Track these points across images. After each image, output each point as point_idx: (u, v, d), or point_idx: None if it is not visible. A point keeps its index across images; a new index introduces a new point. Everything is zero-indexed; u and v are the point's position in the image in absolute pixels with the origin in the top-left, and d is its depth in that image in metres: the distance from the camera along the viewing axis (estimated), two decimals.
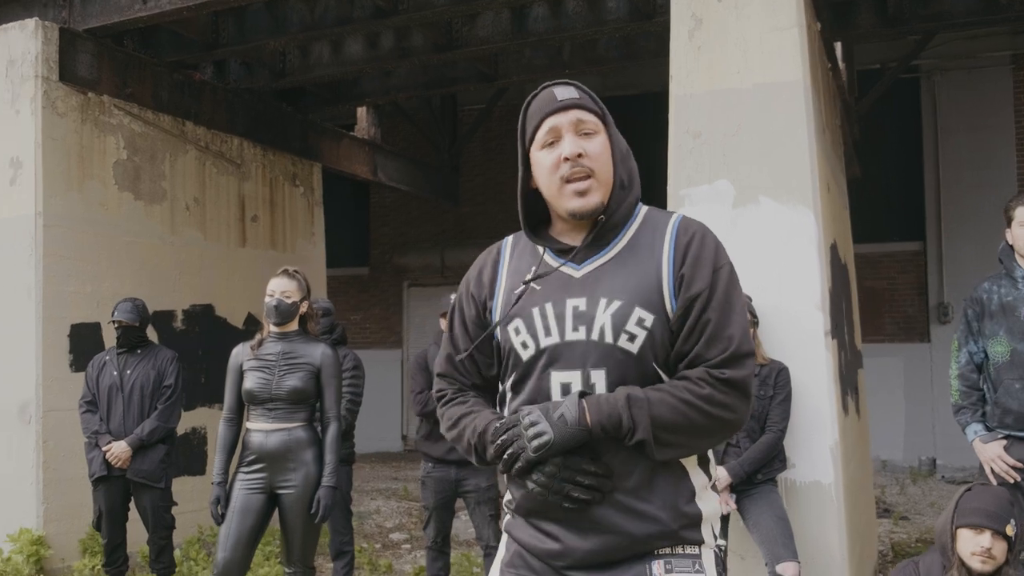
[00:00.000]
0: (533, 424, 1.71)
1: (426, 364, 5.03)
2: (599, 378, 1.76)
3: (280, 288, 4.09)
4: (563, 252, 1.85)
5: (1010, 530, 2.87)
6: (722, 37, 4.36)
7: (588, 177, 1.80)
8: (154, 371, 5.27)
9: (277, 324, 4.08)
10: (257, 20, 7.13)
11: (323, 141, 9.29)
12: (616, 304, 1.76)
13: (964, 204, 10.59)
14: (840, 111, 6.70)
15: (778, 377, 4.01)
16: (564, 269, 1.83)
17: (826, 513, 4.04)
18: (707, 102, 4.37)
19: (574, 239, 1.87)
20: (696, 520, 1.78)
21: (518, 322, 1.83)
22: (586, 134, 1.83)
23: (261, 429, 3.97)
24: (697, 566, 1.76)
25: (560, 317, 1.79)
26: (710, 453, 1.84)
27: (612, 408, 1.71)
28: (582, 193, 1.80)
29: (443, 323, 4.88)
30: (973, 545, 2.89)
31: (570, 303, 1.79)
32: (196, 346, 7.40)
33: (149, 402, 5.22)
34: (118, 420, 5.20)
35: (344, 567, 5.33)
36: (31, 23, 6.55)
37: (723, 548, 1.87)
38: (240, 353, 4.11)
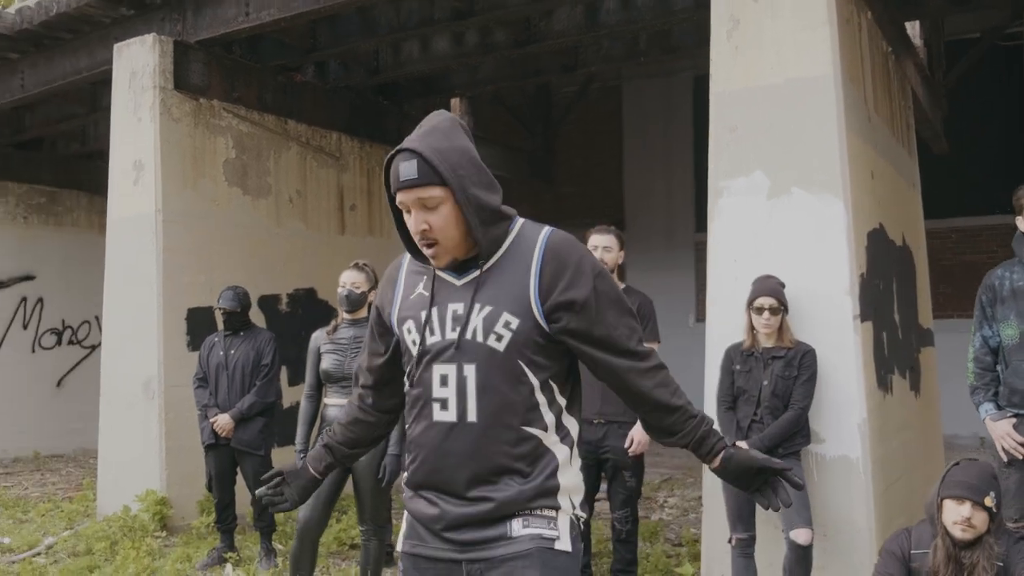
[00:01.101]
0: None
1: None
2: (470, 371, 2.02)
3: (350, 280, 4.59)
4: (447, 267, 2.10)
5: (989, 501, 3.08)
6: (757, 37, 4.58)
7: (434, 244, 2.03)
8: (254, 351, 5.91)
9: (348, 312, 4.59)
10: (349, 24, 7.68)
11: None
12: (487, 309, 2.02)
13: None
14: (910, 92, 6.73)
15: (803, 358, 4.25)
16: (448, 279, 2.10)
17: (852, 486, 4.28)
18: (743, 98, 4.62)
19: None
20: (554, 490, 2.04)
21: (409, 322, 2.12)
22: (429, 208, 2.00)
23: (336, 404, 4.49)
24: (552, 525, 2.03)
25: (442, 319, 2.06)
26: (572, 431, 2.10)
27: None
28: (434, 256, 2.05)
29: None
30: (955, 515, 3.11)
31: (451, 307, 2.06)
32: (299, 327, 8.06)
33: (249, 379, 5.86)
34: (223, 395, 5.87)
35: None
36: (149, 39, 7.28)
37: (580, 518, 2.10)
38: (318, 338, 4.64)
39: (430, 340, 2.07)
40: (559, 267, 2.01)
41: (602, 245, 4.76)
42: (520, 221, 2.12)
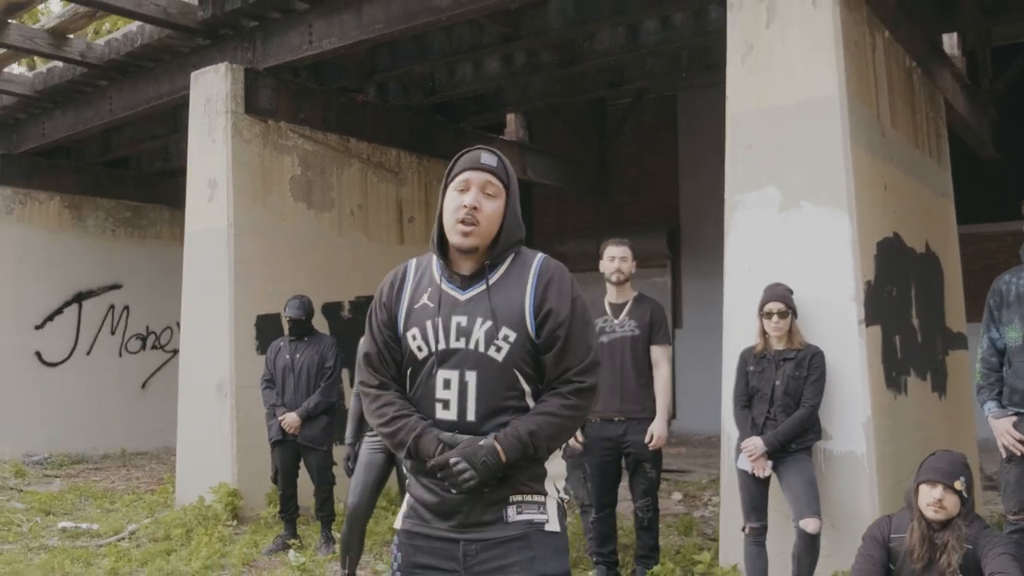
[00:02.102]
0: (462, 472, 2.22)
1: None
2: (471, 377, 2.29)
3: None
4: (453, 278, 2.38)
5: (959, 485, 3.38)
6: (769, 60, 4.91)
7: (474, 225, 2.32)
8: (318, 355, 6.44)
9: None
10: (405, 49, 8.21)
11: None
12: (488, 323, 2.29)
13: None
14: (942, 103, 6.92)
15: (812, 360, 4.57)
16: (452, 293, 2.36)
17: (859, 480, 4.57)
18: (757, 118, 4.95)
19: (463, 267, 2.38)
20: (542, 477, 2.33)
21: (415, 330, 2.35)
22: (488, 194, 2.34)
23: None
24: (542, 510, 2.32)
25: (447, 329, 2.32)
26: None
27: (520, 444, 2.24)
28: (466, 234, 2.31)
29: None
30: (929, 497, 3.42)
31: (455, 319, 2.32)
32: (360, 332, 8.58)
33: (314, 381, 6.40)
34: (290, 395, 6.41)
35: None
36: (222, 67, 7.91)
37: (564, 500, 2.39)
38: (366, 342, 5.11)
39: (436, 348, 2.33)
40: (547, 286, 2.34)
41: (619, 256, 5.18)
42: (522, 248, 2.44)
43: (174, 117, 10.76)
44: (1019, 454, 4.08)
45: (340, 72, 8.79)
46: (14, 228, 11.62)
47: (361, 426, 5.14)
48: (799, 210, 4.78)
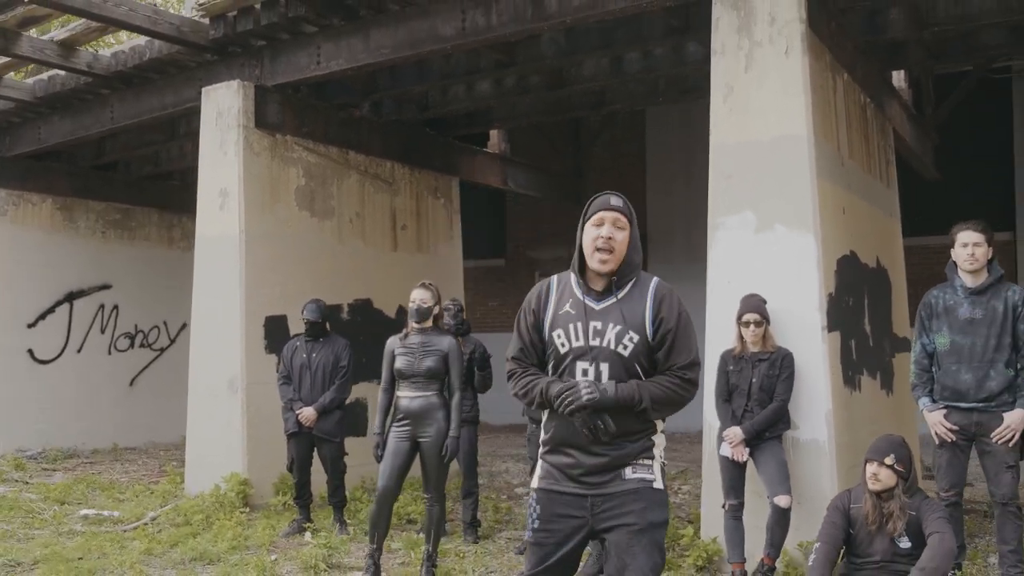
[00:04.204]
0: (588, 387, 2.96)
1: None
2: (604, 368, 3.00)
3: (420, 297, 5.70)
4: (589, 292, 3.10)
5: (889, 460, 4.17)
6: (747, 101, 5.67)
7: (610, 252, 3.04)
8: (332, 355, 7.07)
9: (418, 322, 5.71)
10: (406, 71, 8.85)
11: (460, 158, 10.98)
12: (618, 327, 3.01)
13: None
14: (891, 132, 7.77)
15: (783, 360, 5.34)
16: (590, 303, 3.08)
17: (821, 464, 5.36)
18: (736, 151, 5.71)
19: (596, 284, 3.10)
20: (650, 447, 3.10)
21: (559, 331, 3.08)
22: (618, 227, 3.06)
23: (407, 396, 5.61)
24: (650, 471, 3.08)
25: (585, 331, 3.03)
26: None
27: (632, 391, 2.98)
28: (604, 261, 3.04)
29: None
30: (868, 472, 4.22)
31: (592, 324, 3.03)
32: (358, 333, 9.20)
33: (329, 378, 7.03)
34: (306, 390, 7.03)
35: (471, 504, 6.99)
36: (234, 84, 8.47)
37: (664, 464, 3.14)
38: (392, 343, 5.76)
39: (576, 344, 3.04)
40: (661, 302, 3.07)
41: None
42: (640, 272, 3.17)
43: (171, 125, 11.24)
44: (949, 441, 4.88)
45: (340, 89, 9.38)
46: (8, 229, 11.99)
47: (387, 418, 5.76)
48: (773, 232, 5.55)
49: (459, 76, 8.54)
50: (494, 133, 11.83)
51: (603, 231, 3.05)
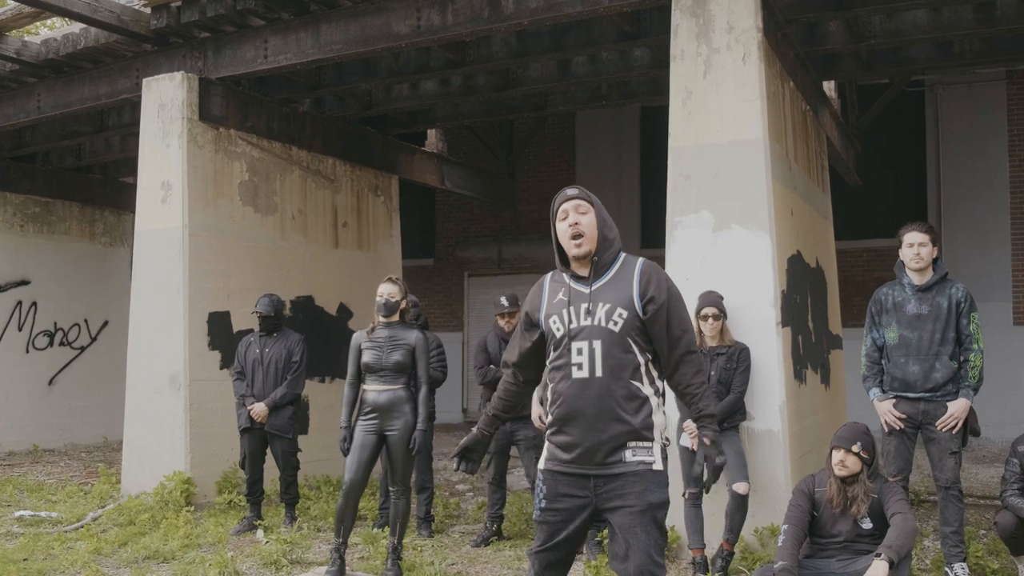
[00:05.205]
0: (718, 455, 3.30)
1: (486, 346, 6.72)
2: (597, 345, 3.17)
3: (387, 291, 5.74)
4: (578, 279, 3.32)
5: (856, 448, 4.43)
6: (706, 106, 5.91)
7: (580, 236, 3.27)
8: (285, 350, 7.03)
9: (385, 317, 5.74)
10: (353, 67, 8.83)
11: (400, 156, 11.00)
12: (607, 306, 3.21)
13: (961, 202, 11.91)
14: (824, 139, 8.16)
15: (740, 355, 5.57)
16: (579, 288, 3.29)
17: (775, 452, 5.61)
18: (695, 153, 5.93)
19: (581, 271, 3.31)
20: (651, 426, 3.21)
21: (554, 317, 3.29)
22: (581, 212, 3.29)
23: (375, 389, 5.64)
24: (650, 452, 3.20)
25: (576, 313, 3.24)
26: (660, 387, 3.30)
27: (713, 413, 3.33)
28: (579, 244, 3.26)
29: (500, 320, 6.61)
30: (835, 459, 4.48)
31: (582, 305, 3.24)
32: (299, 330, 9.04)
33: (282, 373, 6.99)
34: (259, 386, 6.98)
35: (426, 499, 7.06)
36: (178, 76, 8.32)
37: (667, 443, 3.29)
38: (359, 337, 5.78)
39: (571, 327, 3.25)
40: (648, 279, 3.27)
41: None
42: (623, 254, 3.38)
43: (100, 117, 10.94)
44: (898, 428, 5.20)
45: (283, 83, 9.30)
46: None
47: (352, 412, 5.77)
48: (729, 231, 5.79)
49: (407, 74, 8.56)
50: (432, 132, 11.88)
51: (569, 220, 3.29)
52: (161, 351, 8.21)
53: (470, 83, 9.17)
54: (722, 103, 5.86)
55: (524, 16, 6.87)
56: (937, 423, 5.10)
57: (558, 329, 3.29)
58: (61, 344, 12.95)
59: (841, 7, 6.56)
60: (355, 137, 10.22)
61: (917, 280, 5.22)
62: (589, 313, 3.24)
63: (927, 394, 5.11)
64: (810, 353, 6.62)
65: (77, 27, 9.00)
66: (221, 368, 8.35)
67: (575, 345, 3.23)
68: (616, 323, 3.21)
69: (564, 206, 3.32)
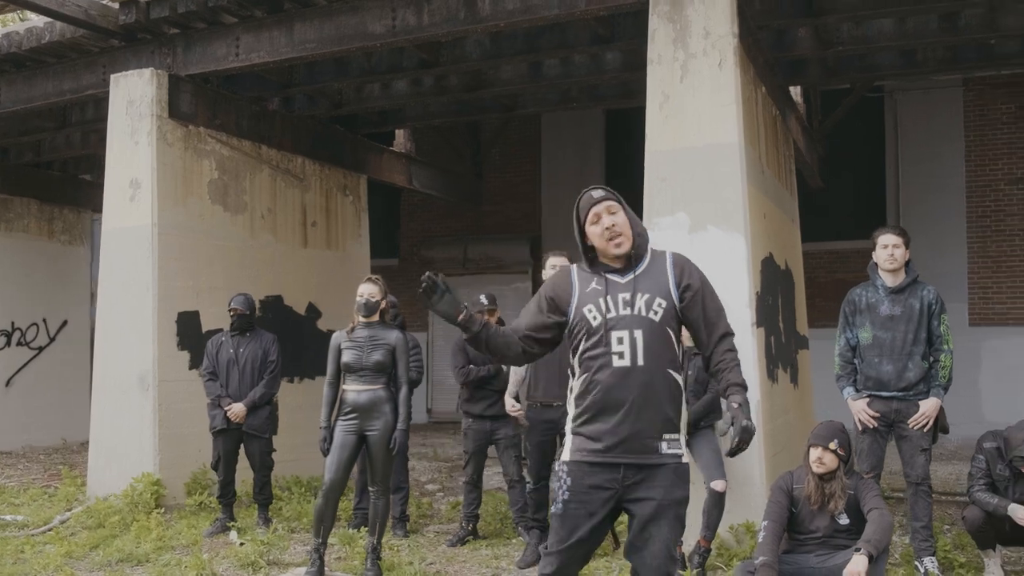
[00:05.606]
0: (746, 420, 3.21)
1: (463, 347, 6.75)
2: (638, 335, 3.19)
3: (368, 291, 5.74)
4: (613, 271, 3.33)
5: (833, 446, 4.54)
6: (683, 110, 6.00)
7: (619, 235, 3.31)
8: (261, 350, 6.99)
9: (365, 316, 5.74)
10: (325, 66, 8.80)
11: (369, 156, 10.97)
12: (647, 295, 3.25)
13: (920, 205, 12.19)
14: (791, 142, 8.32)
15: None
16: (615, 279, 3.32)
17: (751, 450, 5.63)
18: (671, 156, 6.02)
19: (616, 263, 3.33)
20: (681, 418, 3.29)
21: (589, 306, 3.27)
22: (612, 213, 3.32)
23: (355, 389, 5.63)
24: (680, 445, 3.27)
25: (615, 303, 3.26)
26: (683, 386, 3.35)
27: (743, 385, 3.29)
28: (619, 244, 3.30)
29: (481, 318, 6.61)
30: (813, 456, 4.58)
31: (620, 295, 3.27)
32: (269, 330, 9.00)
33: (258, 373, 6.94)
34: (234, 386, 6.92)
35: (401, 499, 7.06)
36: (147, 72, 8.22)
37: (685, 440, 3.38)
38: (338, 337, 5.76)
39: (609, 316, 3.26)
40: (682, 269, 3.37)
41: (560, 264, 6.09)
42: (651, 246, 3.43)
43: (62, 113, 10.77)
44: (871, 427, 5.33)
45: (253, 81, 9.24)
46: None
47: (332, 412, 5.76)
48: (706, 232, 5.89)
49: (380, 74, 8.57)
50: (400, 132, 11.87)
51: (604, 222, 3.32)
52: (129, 351, 8.11)
53: (442, 83, 9.19)
54: (699, 107, 5.96)
55: (501, 18, 6.91)
56: (909, 421, 5.24)
57: (594, 318, 3.28)
58: (19, 344, 12.71)
59: (811, 14, 6.70)
60: (324, 136, 10.18)
61: (890, 282, 5.36)
62: (628, 304, 3.26)
63: (900, 393, 5.25)
64: (781, 353, 6.75)
65: (41, 21, 8.85)
66: (190, 368, 8.27)
67: (615, 334, 3.24)
68: (656, 312, 3.26)
69: (595, 209, 3.34)
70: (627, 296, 3.29)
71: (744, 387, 3.32)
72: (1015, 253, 12.04)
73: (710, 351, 3.37)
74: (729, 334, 3.39)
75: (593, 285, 3.35)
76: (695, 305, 3.33)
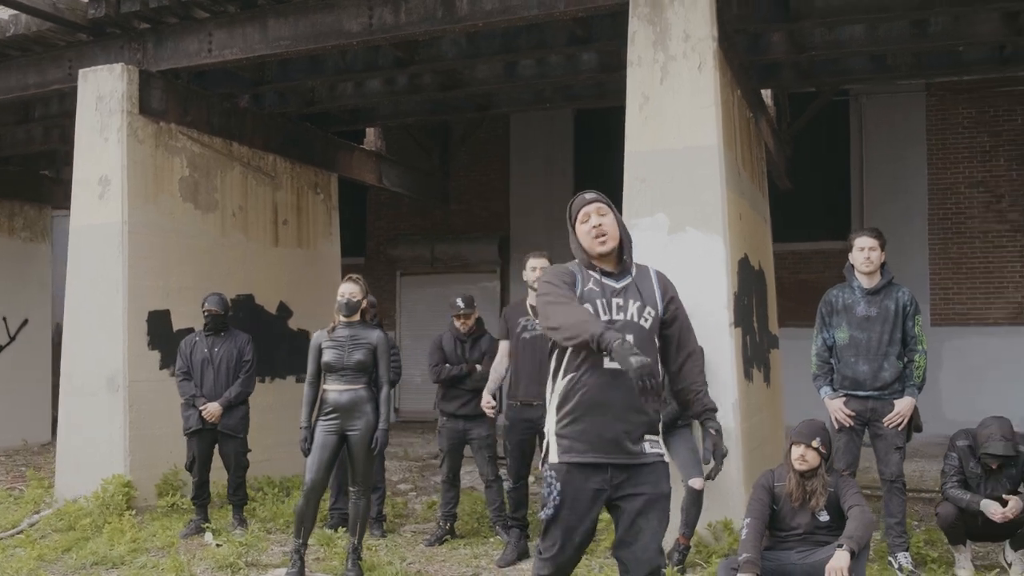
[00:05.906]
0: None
1: (441, 345, 6.75)
2: (630, 339, 3.23)
3: (349, 291, 5.71)
4: (607, 275, 3.47)
5: (815, 443, 4.63)
6: (662, 111, 6.06)
7: (604, 234, 3.45)
8: (235, 349, 6.93)
9: (346, 316, 5.71)
10: (299, 64, 8.73)
11: (339, 154, 10.91)
12: (638, 303, 3.41)
13: (884, 207, 12.43)
14: (763, 145, 8.43)
15: None
16: (609, 283, 3.45)
17: (728, 449, 5.78)
18: (651, 157, 6.08)
19: (609, 267, 3.48)
20: (659, 420, 3.45)
21: (587, 305, 3.36)
22: (601, 214, 3.48)
23: (336, 389, 5.61)
24: (660, 445, 3.44)
25: (609, 306, 3.40)
26: (665, 387, 3.48)
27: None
28: (603, 242, 3.44)
29: (456, 321, 6.63)
30: (795, 454, 4.67)
31: (614, 300, 3.41)
32: (240, 329, 8.98)
33: (233, 373, 6.88)
34: (209, 386, 6.86)
35: (378, 499, 7.04)
36: (118, 67, 8.10)
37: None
38: (319, 336, 5.73)
39: (603, 319, 3.35)
40: (665, 284, 3.57)
41: (540, 266, 6.12)
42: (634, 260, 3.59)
43: (24, 108, 10.56)
44: (848, 425, 5.43)
45: (224, 77, 9.14)
46: None
47: (312, 411, 5.72)
48: (684, 234, 5.95)
49: (354, 72, 8.52)
50: (371, 130, 11.81)
51: (592, 222, 3.48)
52: (99, 351, 7.98)
53: (416, 82, 9.16)
54: (678, 109, 6.02)
55: (479, 18, 6.92)
56: (884, 420, 5.35)
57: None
58: None
59: (787, 19, 6.80)
60: (296, 134, 10.11)
61: (866, 283, 5.46)
62: (621, 308, 3.39)
63: (876, 392, 5.36)
64: (756, 353, 6.84)
65: (6, 13, 8.67)
66: (161, 368, 8.17)
67: None
68: (647, 320, 3.42)
69: (585, 209, 3.49)
70: (620, 301, 3.43)
71: (716, 410, 3.60)
72: (975, 255, 12.32)
73: (677, 367, 3.54)
74: (696, 352, 3.58)
75: (591, 285, 3.47)
76: (675, 320, 3.51)
